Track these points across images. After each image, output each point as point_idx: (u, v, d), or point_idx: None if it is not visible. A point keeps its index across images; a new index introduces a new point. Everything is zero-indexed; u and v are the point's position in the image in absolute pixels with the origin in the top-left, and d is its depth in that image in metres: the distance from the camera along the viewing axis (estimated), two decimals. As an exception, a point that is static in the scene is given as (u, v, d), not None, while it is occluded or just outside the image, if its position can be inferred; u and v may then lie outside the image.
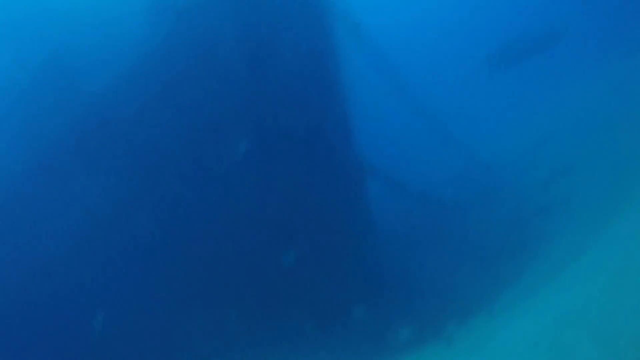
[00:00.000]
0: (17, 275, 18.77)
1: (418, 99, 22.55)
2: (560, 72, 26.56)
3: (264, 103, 14.62)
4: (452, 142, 23.25)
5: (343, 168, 15.48)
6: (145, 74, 15.17)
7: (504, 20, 33.52)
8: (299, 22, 15.35)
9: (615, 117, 17.38)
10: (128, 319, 16.62)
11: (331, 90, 15.69)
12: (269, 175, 14.96)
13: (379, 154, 19.82)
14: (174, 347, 15.95)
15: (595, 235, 10.73)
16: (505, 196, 17.68)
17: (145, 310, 16.29)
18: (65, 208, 16.67)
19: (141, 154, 15.38)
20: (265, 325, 14.42)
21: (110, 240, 16.23)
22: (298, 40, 15.36)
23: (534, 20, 31.19)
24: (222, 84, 14.64)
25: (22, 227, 17.80)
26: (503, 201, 17.41)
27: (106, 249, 16.35)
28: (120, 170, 15.80)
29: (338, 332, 13.07)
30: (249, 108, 14.62)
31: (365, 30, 18.52)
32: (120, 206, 15.89)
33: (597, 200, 13.06)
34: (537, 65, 28.15)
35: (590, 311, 6.90)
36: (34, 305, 18.28)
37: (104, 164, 15.80)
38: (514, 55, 28.12)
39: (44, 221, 17.21)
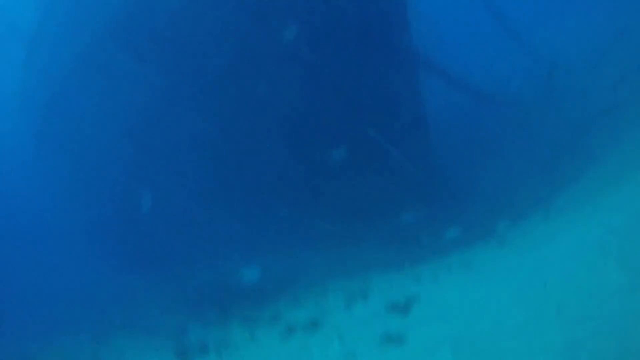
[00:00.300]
0: (71, 163, 19.91)
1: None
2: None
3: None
4: (516, 37, 21.43)
5: (397, 58, 14.57)
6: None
7: None
8: None
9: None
10: (177, 206, 17.61)
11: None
12: (317, 65, 14.36)
13: (437, 44, 18.54)
14: (215, 241, 16.94)
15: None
16: (571, 95, 16.53)
17: (194, 199, 17.08)
18: (115, 101, 17.01)
19: (186, 42, 14.97)
20: (312, 225, 14.90)
21: (162, 131, 16.55)
22: None
23: None
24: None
25: (78, 119, 18.44)
26: (568, 100, 16.33)
27: (156, 140, 16.82)
28: (166, 62, 15.58)
29: (388, 231, 13.31)
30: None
31: None
32: (166, 97, 15.94)
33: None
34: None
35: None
36: (92, 182, 19.56)
37: (151, 56, 15.61)
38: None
39: (98, 113, 17.73)
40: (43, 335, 16.68)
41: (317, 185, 14.99)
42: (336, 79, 14.29)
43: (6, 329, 18.98)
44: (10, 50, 26.69)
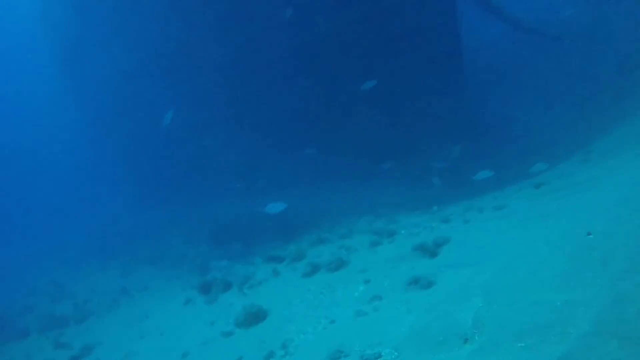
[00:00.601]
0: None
1: None
2: None
3: None
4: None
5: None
6: None
7: None
8: None
9: None
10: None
11: None
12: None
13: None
14: (240, 175, 16.84)
15: None
16: (616, 37, 15.16)
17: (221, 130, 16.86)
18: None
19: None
20: (338, 162, 14.66)
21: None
22: None
23: None
24: None
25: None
26: (614, 42, 15.00)
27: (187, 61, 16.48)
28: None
29: (416, 170, 12.93)
30: None
31: None
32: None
33: None
34: None
35: None
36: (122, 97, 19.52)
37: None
38: None
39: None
40: (74, 262, 17.41)
41: (344, 120, 14.55)
42: (371, 5, 13.43)
43: (40, 253, 19.86)
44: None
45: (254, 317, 6.96)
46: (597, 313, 4.00)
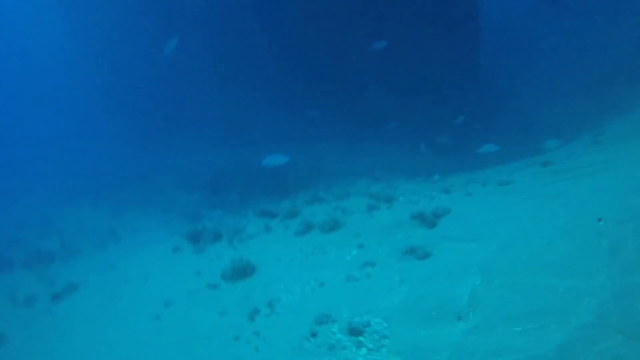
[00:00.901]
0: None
1: None
2: None
3: None
4: None
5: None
6: None
7: None
8: None
9: None
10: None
11: None
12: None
13: None
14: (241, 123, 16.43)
15: None
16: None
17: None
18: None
19: None
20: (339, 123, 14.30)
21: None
22: None
23: None
24: None
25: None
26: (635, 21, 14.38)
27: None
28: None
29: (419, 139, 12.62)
30: None
31: None
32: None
33: None
34: None
35: None
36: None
37: None
38: None
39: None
40: (64, 200, 17.21)
41: (349, 81, 14.11)
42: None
43: (33, 193, 19.64)
44: None
45: (242, 271, 6.79)
46: (601, 304, 3.80)
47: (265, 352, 4.55)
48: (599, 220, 4.85)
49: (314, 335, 4.60)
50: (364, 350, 4.22)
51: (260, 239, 8.37)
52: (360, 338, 4.37)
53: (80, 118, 28.22)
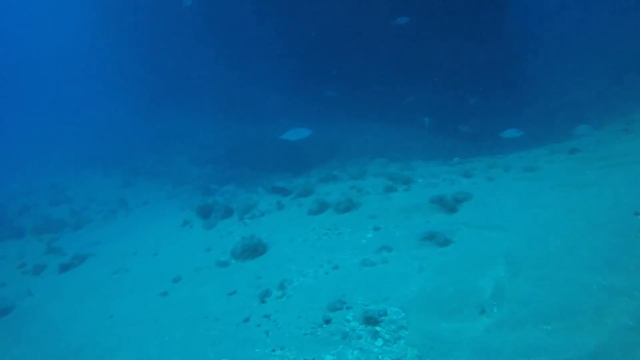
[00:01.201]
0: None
1: None
2: None
3: None
4: None
5: None
6: None
7: None
8: None
9: None
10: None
11: None
12: None
13: None
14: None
15: None
16: None
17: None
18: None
19: None
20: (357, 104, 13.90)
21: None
22: None
23: None
24: None
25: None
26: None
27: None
28: None
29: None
30: None
31: None
32: None
33: None
34: None
35: None
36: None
37: None
38: None
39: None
40: (76, 168, 17.14)
41: (368, 55, 13.65)
42: None
43: (46, 161, 19.61)
44: None
45: (253, 250, 6.58)
46: (633, 303, 3.52)
47: (276, 337, 4.35)
48: (637, 214, 4.52)
49: (327, 322, 4.38)
50: (379, 341, 3.99)
51: (273, 217, 8.15)
52: (377, 328, 4.14)
53: (94, 87, 28.01)
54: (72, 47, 31.64)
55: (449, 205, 6.36)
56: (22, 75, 38.46)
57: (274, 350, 4.16)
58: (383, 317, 4.26)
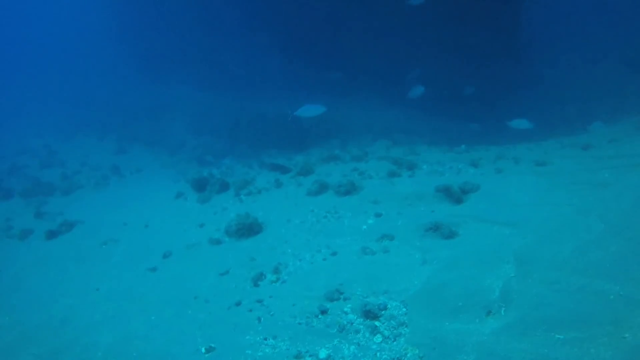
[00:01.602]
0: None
1: None
2: None
3: None
4: None
5: None
6: None
7: None
8: None
9: None
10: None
11: None
12: None
13: None
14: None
15: None
16: None
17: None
18: None
19: None
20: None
21: None
22: None
23: None
24: None
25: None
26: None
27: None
28: None
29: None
30: None
31: None
32: None
33: None
34: None
35: None
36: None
37: None
38: None
39: None
40: (70, 130, 16.72)
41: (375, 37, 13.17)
42: None
43: (40, 122, 19.16)
44: None
45: (248, 228, 6.32)
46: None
47: (269, 325, 4.11)
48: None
49: (323, 312, 4.14)
50: (378, 338, 3.76)
51: (270, 195, 7.88)
52: (376, 323, 3.91)
53: (90, 49, 27.28)
54: (72, 7, 30.80)
55: (455, 195, 6.09)
56: (20, 31, 37.50)
57: (265, 339, 3.93)
58: (383, 312, 4.03)
